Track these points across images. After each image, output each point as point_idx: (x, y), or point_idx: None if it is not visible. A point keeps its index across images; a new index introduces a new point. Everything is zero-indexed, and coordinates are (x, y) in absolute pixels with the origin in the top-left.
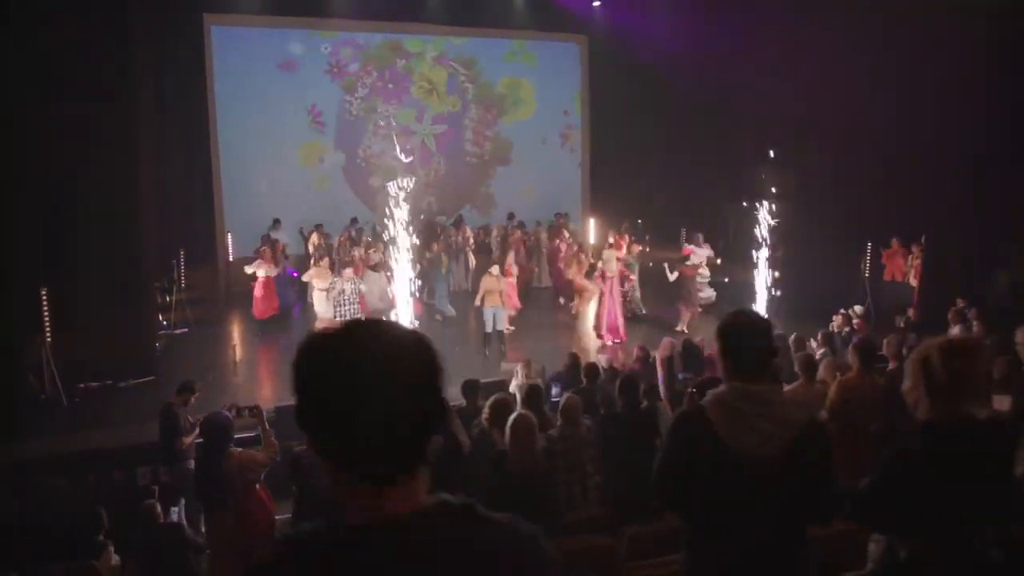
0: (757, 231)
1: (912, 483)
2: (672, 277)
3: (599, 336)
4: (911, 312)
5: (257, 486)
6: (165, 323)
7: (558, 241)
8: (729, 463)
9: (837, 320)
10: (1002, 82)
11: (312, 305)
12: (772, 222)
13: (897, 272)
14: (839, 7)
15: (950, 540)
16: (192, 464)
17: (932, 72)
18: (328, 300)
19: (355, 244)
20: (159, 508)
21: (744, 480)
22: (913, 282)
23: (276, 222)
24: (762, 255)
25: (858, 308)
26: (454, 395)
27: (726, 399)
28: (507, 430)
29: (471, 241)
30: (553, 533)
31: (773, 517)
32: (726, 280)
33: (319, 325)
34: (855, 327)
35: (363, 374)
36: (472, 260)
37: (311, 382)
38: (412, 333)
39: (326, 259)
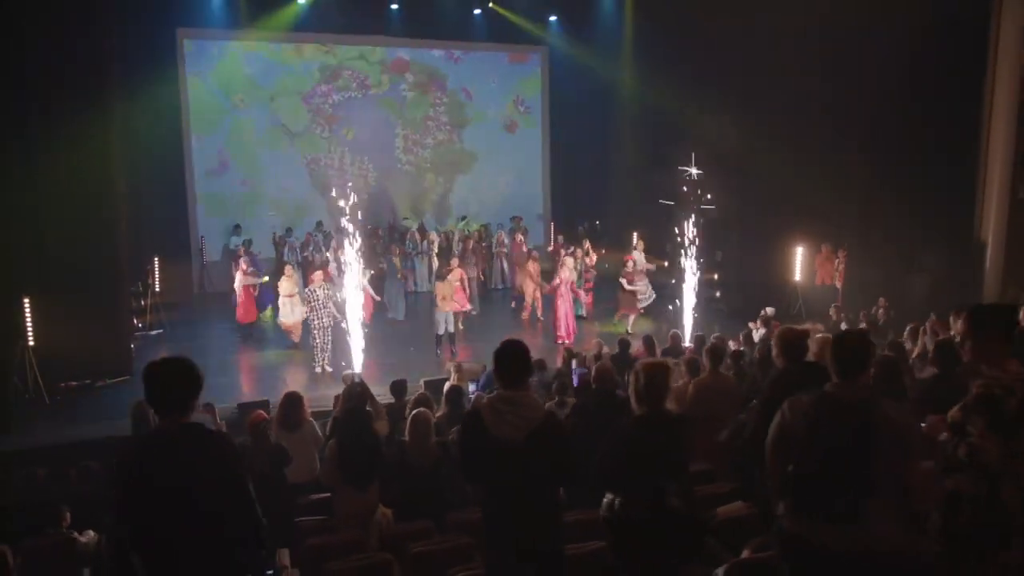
0: (687, 235)
1: (622, 456)
2: (624, 282)
3: (558, 338)
4: (833, 311)
5: None
6: (140, 325)
7: (516, 242)
8: (492, 444)
9: (757, 322)
10: (915, 100)
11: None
12: (693, 232)
13: (827, 276)
14: (778, 33)
15: (646, 493)
16: None
17: (855, 93)
18: (296, 307)
19: (320, 249)
20: None
21: (503, 455)
22: (839, 285)
23: (236, 227)
24: (691, 259)
25: (769, 310)
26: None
27: (493, 401)
28: (407, 425)
29: (435, 245)
30: (438, 523)
31: (524, 481)
32: (673, 282)
33: (291, 331)
34: (772, 328)
35: None
36: (435, 263)
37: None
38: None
39: (288, 267)
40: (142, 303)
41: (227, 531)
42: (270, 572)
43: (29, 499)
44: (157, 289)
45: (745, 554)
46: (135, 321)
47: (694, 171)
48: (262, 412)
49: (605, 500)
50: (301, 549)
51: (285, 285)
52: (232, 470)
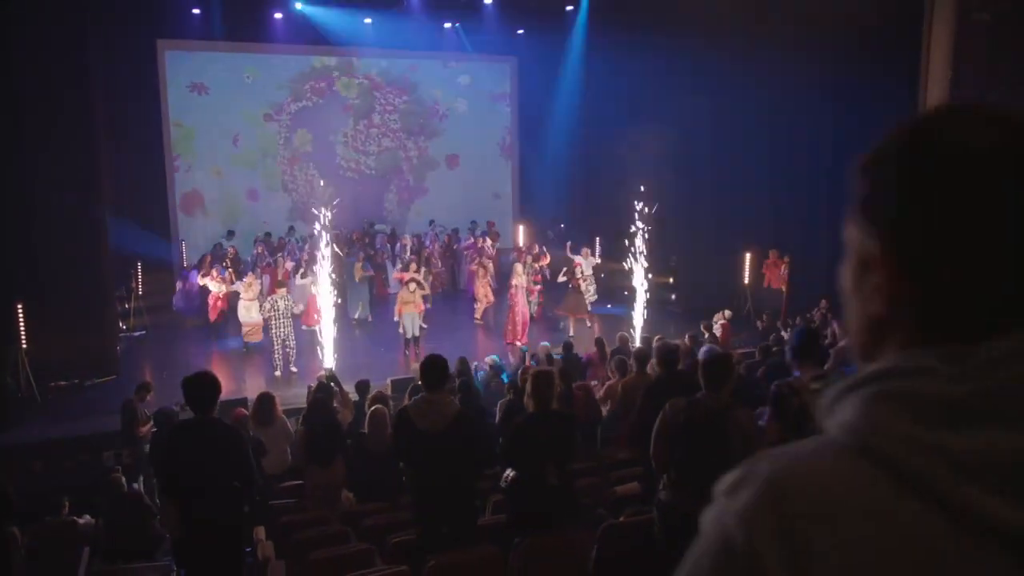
0: (637, 241)
1: (517, 443)
2: (564, 279)
3: (510, 340)
4: (765, 316)
5: None
6: (124, 327)
7: (483, 246)
8: (417, 435)
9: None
10: (852, 115)
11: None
12: (644, 238)
13: (774, 280)
14: (727, 52)
15: (533, 471)
16: (148, 447)
17: (797, 108)
18: (254, 310)
19: (294, 253)
20: (123, 480)
21: (426, 443)
22: (784, 289)
23: (230, 233)
24: (641, 264)
25: (727, 312)
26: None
27: (418, 402)
28: (367, 419)
29: (408, 249)
30: (393, 503)
31: (442, 462)
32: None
33: (245, 331)
34: (717, 332)
35: None
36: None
37: None
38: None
39: (250, 274)
40: (126, 307)
41: (233, 484)
42: (248, 549)
43: (29, 489)
44: (140, 293)
45: (621, 519)
46: (120, 324)
47: (642, 188)
48: (243, 410)
49: (504, 474)
50: (275, 526)
51: (246, 292)
52: (238, 447)
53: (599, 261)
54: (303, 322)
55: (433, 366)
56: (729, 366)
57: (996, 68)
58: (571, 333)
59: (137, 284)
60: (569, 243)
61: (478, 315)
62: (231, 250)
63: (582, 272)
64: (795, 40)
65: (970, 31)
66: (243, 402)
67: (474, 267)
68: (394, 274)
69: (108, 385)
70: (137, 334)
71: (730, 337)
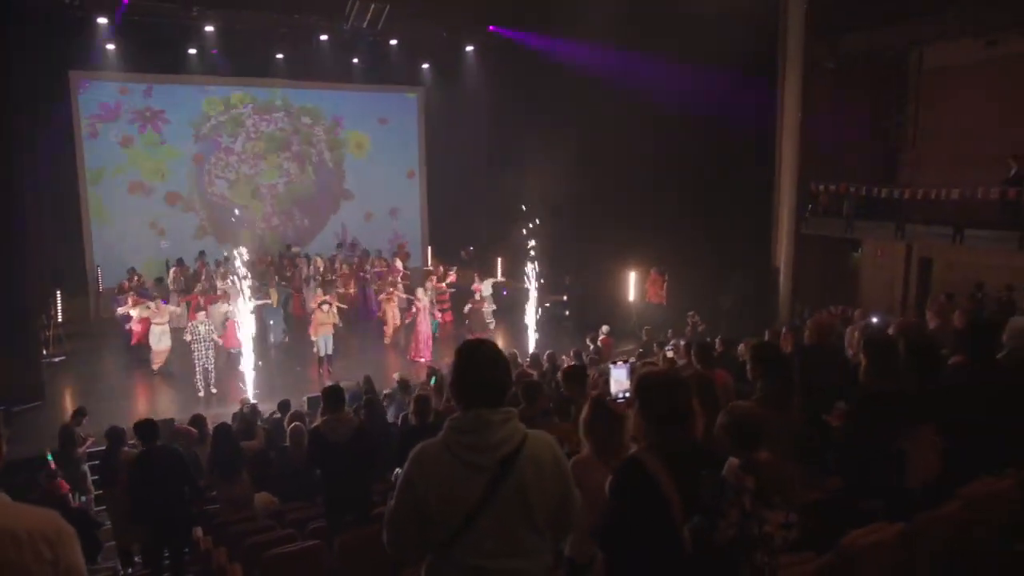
0: (529, 266)
1: (401, 448)
2: (465, 310)
3: (413, 357)
4: (646, 329)
5: None
6: (45, 353)
7: (394, 267)
8: (327, 446)
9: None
10: (722, 152)
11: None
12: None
13: (656, 296)
14: (612, 99)
15: None
16: (86, 468)
17: (675, 148)
18: (164, 336)
19: (210, 277)
20: (70, 496)
21: (334, 452)
22: (663, 303)
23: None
24: (534, 283)
25: (604, 328)
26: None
27: (326, 420)
28: (288, 434)
29: (320, 270)
30: (311, 501)
31: (348, 470)
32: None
33: (154, 358)
34: (600, 344)
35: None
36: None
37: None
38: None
39: (158, 300)
40: (47, 334)
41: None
42: (186, 550)
43: None
44: (60, 319)
45: None
46: (42, 350)
47: (537, 220)
48: (192, 428)
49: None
50: (212, 525)
51: (157, 318)
52: (183, 464)
53: (501, 279)
54: (225, 345)
55: (333, 393)
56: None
57: (840, 109)
58: None
59: (56, 310)
60: (476, 273)
61: (388, 338)
62: (136, 278)
63: (481, 296)
64: (675, 82)
65: (818, 77)
66: (169, 423)
67: (384, 296)
68: (313, 298)
69: (35, 411)
70: (57, 360)
71: (611, 349)
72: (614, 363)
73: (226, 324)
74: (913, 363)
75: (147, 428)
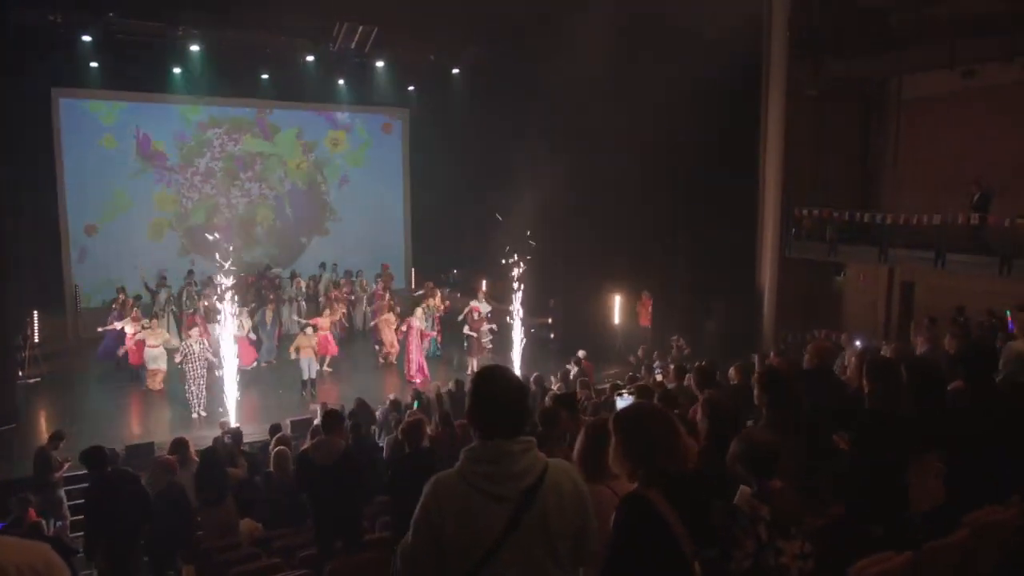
0: (517, 286)
1: (397, 477)
2: (466, 331)
3: (409, 377)
4: (641, 350)
5: None
6: (21, 375)
7: (378, 289)
8: (315, 469)
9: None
10: (706, 179)
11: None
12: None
13: (646, 319)
14: (601, 119)
15: (411, 498)
16: (62, 493)
17: (660, 173)
18: (161, 357)
19: (193, 297)
20: (44, 524)
21: (322, 476)
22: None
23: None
24: (520, 306)
25: (581, 352)
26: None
27: (315, 443)
28: (272, 459)
29: (303, 290)
30: (298, 528)
31: (337, 494)
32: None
33: (151, 377)
34: (583, 367)
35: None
36: (304, 307)
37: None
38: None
39: (155, 320)
40: (23, 355)
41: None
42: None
43: None
44: (36, 340)
45: None
46: (17, 372)
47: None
48: (171, 457)
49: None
50: (196, 552)
51: (152, 338)
52: (140, 488)
53: (490, 307)
54: (242, 363)
55: (332, 416)
56: None
57: (822, 134)
58: (470, 371)
59: (33, 331)
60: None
61: (384, 358)
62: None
63: (479, 316)
64: (658, 109)
65: (800, 104)
66: (150, 446)
67: (382, 319)
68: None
69: (9, 434)
70: (32, 381)
71: (592, 373)
72: (619, 393)
73: (237, 342)
74: (916, 388)
75: (94, 456)
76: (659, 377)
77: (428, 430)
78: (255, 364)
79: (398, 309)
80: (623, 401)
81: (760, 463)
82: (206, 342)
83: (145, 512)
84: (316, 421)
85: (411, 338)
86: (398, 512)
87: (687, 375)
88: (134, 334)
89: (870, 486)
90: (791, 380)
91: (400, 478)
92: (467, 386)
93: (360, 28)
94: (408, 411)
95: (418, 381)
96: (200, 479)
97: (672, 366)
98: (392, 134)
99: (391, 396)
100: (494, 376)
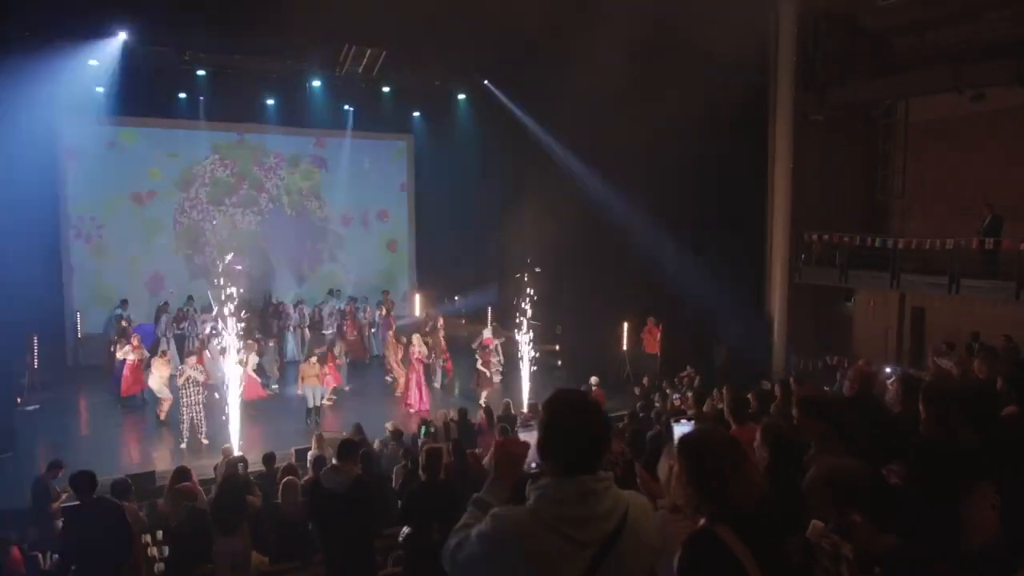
0: (525, 314)
1: (411, 506)
2: (478, 364)
3: (407, 406)
4: (645, 379)
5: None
6: (19, 401)
7: (383, 315)
8: (323, 494)
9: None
10: (716, 205)
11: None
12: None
13: (652, 346)
14: (608, 148)
15: (423, 529)
16: (61, 523)
17: (669, 199)
18: (168, 385)
19: (194, 323)
20: (40, 557)
21: (333, 504)
22: (658, 353)
23: (124, 302)
24: (527, 334)
25: (593, 379)
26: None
27: (326, 470)
28: (279, 489)
29: (307, 318)
30: (305, 562)
31: (348, 524)
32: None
33: (160, 405)
34: (594, 394)
35: None
36: (307, 335)
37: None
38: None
39: (168, 354)
40: (22, 381)
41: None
42: None
43: None
44: (36, 366)
45: None
46: (16, 398)
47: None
48: (190, 484)
49: (402, 531)
50: None
51: (160, 366)
52: (124, 517)
53: (500, 340)
54: (245, 396)
55: (346, 444)
56: None
57: (829, 159)
58: (481, 401)
59: (33, 357)
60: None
61: (399, 389)
62: (123, 322)
63: (490, 347)
64: (665, 136)
65: (806, 129)
66: (151, 475)
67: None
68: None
69: (5, 462)
70: (30, 408)
71: (603, 401)
72: (676, 420)
73: (245, 375)
74: (970, 415)
75: (84, 480)
76: (676, 402)
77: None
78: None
79: (403, 340)
80: (680, 428)
81: (844, 492)
82: (203, 368)
83: (120, 546)
84: (312, 452)
85: (413, 366)
86: (413, 548)
87: (707, 401)
88: (136, 362)
89: (927, 519)
90: (840, 408)
91: (415, 509)
92: (531, 415)
93: (368, 52)
94: (422, 440)
95: (417, 409)
96: (218, 506)
97: (689, 393)
98: (396, 159)
99: (388, 426)
100: (575, 403)
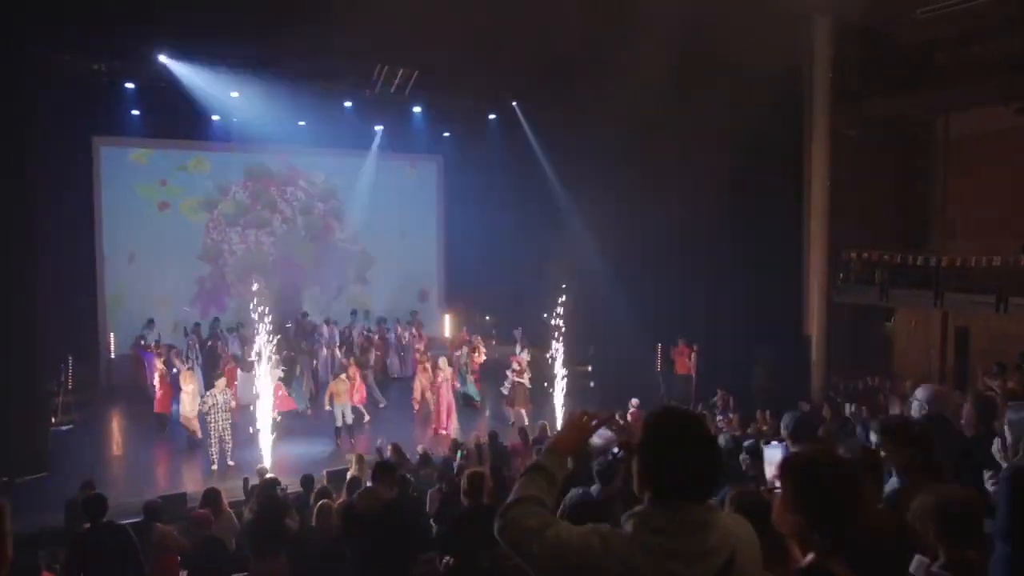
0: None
1: (453, 531)
2: (506, 387)
3: (436, 429)
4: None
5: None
6: (53, 421)
7: (412, 335)
8: (357, 517)
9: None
10: (753, 224)
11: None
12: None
13: (683, 367)
14: (637, 169)
15: (467, 555)
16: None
17: (704, 220)
18: (197, 405)
19: (227, 342)
20: None
21: (367, 526)
22: (693, 375)
23: (150, 322)
24: (561, 355)
25: (634, 401)
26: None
27: (362, 492)
28: (313, 512)
29: (336, 338)
30: None
31: (384, 548)
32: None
33: (185, 423)
34: (630, 418)
35: None
36: (338, 354)
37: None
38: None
39: (187, 369)
40: (56, 401)
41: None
42: None
43: None
44: (70, 387)
45: None
46: (50, 418)
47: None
48: (206, 512)
49: (442, 560)
50: None
51: (186, 379)
52: (132, 548)
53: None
54: (278, 408)
55: (383, 467)
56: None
57: (866, 175)
58: (525, 422)
59: (67, 378)
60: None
61: (417, 407)
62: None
63: (521, 365)
64: (699, 154)
65: (842, 145)
66: (182, 497)
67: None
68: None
69: (40, 482)
70: (64, 428)
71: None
72: (767, 442)
73: (275, 388)
74: None
75: (95, 504)
76: (720, 424)
77: None
78: (290, 411)
79: (429, 362)
80: (772, 450)
81: (955, 525)
82: (231, 392)
83: (137, 569)
84: (351, 472)
85: (441, 388)
86: (451, 568)
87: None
88: (167, 379)
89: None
90: (924, 432)
91: (459, 536)
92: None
93: (400, 72)
94: (457, 463)
95: (446, 431)
96: (255, 529)
97: (733, 415)
98: (426, 180)
99: (419, 449)
100: (682, 423)
